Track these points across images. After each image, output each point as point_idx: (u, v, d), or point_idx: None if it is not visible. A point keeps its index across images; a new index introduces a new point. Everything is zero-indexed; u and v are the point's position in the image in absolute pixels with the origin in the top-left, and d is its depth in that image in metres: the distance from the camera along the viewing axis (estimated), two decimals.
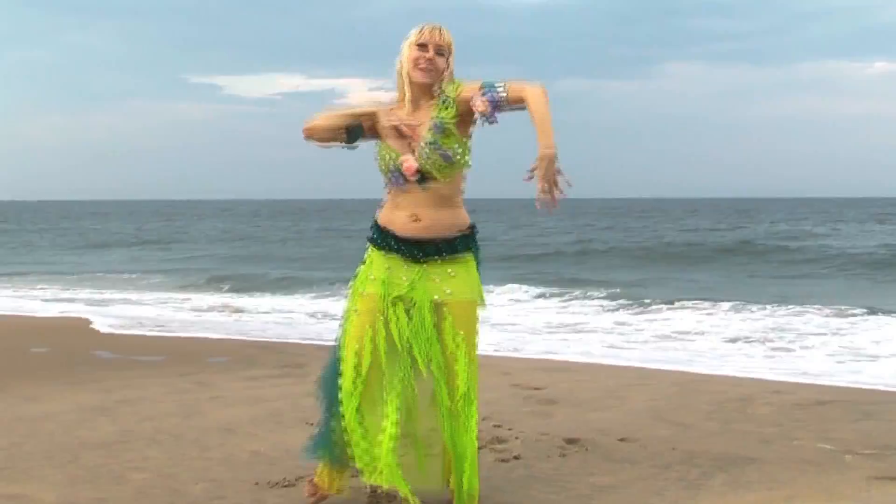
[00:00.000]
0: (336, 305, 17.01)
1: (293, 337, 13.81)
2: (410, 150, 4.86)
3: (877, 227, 56.45)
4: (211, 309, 18.40)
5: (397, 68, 4.99)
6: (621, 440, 6.69)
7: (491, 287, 19.86)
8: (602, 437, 6.75)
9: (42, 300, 20.33)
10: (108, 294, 21.74)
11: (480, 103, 4.72)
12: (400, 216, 4.93)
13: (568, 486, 5.53)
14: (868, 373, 10.01)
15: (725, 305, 16.39)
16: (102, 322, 15.47)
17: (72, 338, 13.53)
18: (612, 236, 46.99)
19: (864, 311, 15.47)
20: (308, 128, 5.06)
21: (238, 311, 18.02)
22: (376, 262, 5.01)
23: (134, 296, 21.25)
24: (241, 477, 5.81)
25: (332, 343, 5.23)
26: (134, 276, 27.38)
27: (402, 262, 4.95)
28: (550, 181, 4.47)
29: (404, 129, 4.87)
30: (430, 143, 4.83)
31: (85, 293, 22.02)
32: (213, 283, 24.92)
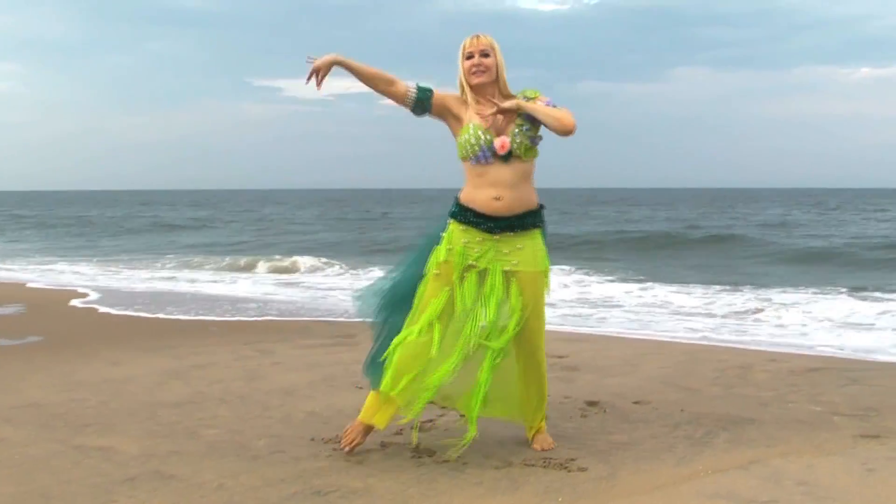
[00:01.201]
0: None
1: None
2: (499, 133, 5.14)
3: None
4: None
5: (458, 82, 5.31)
6: (636, 403, 6.69)
7: None
8: (619, 400, 6.75)
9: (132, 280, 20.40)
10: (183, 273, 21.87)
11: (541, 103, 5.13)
12: (483, 195, 5.18)
13: (588, 443, 5.54)
14: (854, 344, 9.95)
15: (720, 287, 16.39)
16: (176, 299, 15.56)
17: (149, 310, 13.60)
18: (616, 225, 46.87)
19: (847, 289, 15.49)
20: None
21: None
22: (455, 235, 5.24)
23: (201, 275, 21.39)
24: (299, 433, 5.85)
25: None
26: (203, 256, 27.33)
27: (478, 236, 5.19)
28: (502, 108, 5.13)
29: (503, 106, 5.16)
30: (523, 129, 5.15)
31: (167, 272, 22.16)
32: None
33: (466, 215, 5.22)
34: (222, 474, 5.01)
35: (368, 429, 5.43)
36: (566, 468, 5.02)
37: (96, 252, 30.52)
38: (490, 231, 5.18)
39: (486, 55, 5.18)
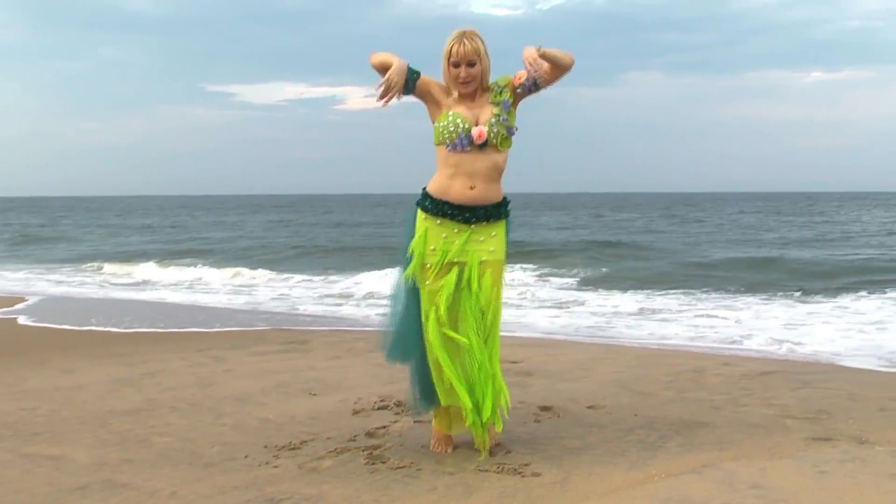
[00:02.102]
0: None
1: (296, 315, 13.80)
2: (478, 122, 5.18)
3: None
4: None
5: (442, 70, 5.27)
6: (589, 407, 6.70)
7: None
8: (572, 405, 6.76)
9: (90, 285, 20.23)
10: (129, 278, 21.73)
11: (521, 73, 5.24)
12: (458, 184, 5.22)
13: (542, 448, 5.54)
14: (806, 347, 10.04)
15: (669, 291, 16.72)
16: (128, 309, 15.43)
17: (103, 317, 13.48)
18: (567, 231, 46.98)
19: (797, 293, 15.67)
20: (372, 58, 5.30)
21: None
22: (432, 233, 5.29)
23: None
24: (252, 441, 5.81)
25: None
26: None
27: (455, 228, 5.25)
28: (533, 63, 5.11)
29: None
30: (500, 118, 5.19)
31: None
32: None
33: (442, 208, 5.26)
34: (175, 482, 4.97)
35: (449, 437, 5.54)
36: (520, 473, 5.01)
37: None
38: (467, 221, 5.25)
39: (472, 65, 5.17)
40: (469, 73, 5.18)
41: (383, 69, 5.22)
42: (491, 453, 5.33)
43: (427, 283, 5.27)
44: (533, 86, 5.26)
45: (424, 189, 5.36)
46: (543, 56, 5.15)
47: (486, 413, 5.23)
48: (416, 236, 5.32)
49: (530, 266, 22.24)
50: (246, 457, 5.43)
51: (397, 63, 5.17)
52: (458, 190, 5.22)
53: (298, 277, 21.20)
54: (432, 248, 5.26)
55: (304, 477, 5.04)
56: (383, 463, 5.24)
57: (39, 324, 12.78)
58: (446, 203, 5.24)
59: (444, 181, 5.26)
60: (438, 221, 5.27)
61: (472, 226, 5.26)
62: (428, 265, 5.27)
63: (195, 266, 24.53)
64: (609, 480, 4.92)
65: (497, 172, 5.28)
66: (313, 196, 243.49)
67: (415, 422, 6.01)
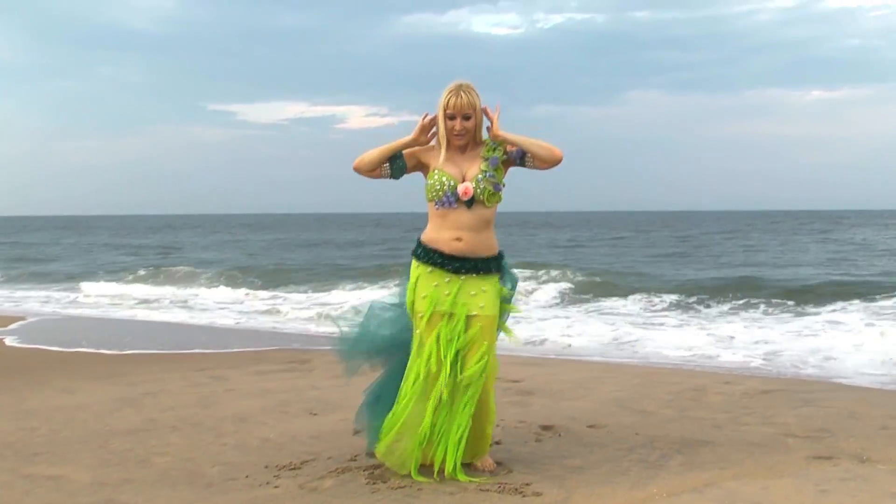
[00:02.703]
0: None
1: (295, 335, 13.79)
2: (465, 178, 5.24)
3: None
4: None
5: (438, 133, 5.33)
6: (590, 426, 6.70)
7: None
8: (573, 424, 6.76)
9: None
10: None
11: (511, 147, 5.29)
12: (445, 236, 5.27)
13: (543, 468, 5.53)
14: (807, 365, 10.04)
15: (671, 299, 17.08)
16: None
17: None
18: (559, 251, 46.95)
19: (795, 310, 15.67)
20: (355, 163, 5.39)
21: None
22: (423, 281, 5.32)
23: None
24: (253, 460, 5.81)
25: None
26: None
27: (446, 277, 5.27)
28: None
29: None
30: (486, 175, 5.22)
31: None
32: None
33: (432, 256, 5.29)
34: (175, 502, 4.96)
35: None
36: (521, 493, 5.00)
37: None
38: (457, 272, 5.26)
39: (467, 118, 5.24)
40: (464, 127, 5.24)
41: (382, 157, 5.36)
42: (492, 473, 5.35)
43: (417, 330, 5.33)
44: (520, 158, 5.32)
45: (419, 238, 5.42)
46: (496, 138, 5.27)
47: (448, 468, 5.27)
48: (409, 283, 5.39)
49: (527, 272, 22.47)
50: (247, 477, 5.43)
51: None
52: (446, 241, 5.27)
53: (299, 296, 21.17)
54: (423, 295, 5.29)
55: (304, 497, 5.03)
56: (384, 483, 5.23)
57: (37, 345, 12.75)
58: (437, 252, 5.29)
59: (434, 233, 5.33)
60: (429, 270, 5.31)
61: (462, 277, 5.28)
62: (419, 313, 5.30)
63: (195, 285, 24.57)
64: (610, 500, 4.91)
65: (485, 224, 5.32)
66: (314, 214, 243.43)
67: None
